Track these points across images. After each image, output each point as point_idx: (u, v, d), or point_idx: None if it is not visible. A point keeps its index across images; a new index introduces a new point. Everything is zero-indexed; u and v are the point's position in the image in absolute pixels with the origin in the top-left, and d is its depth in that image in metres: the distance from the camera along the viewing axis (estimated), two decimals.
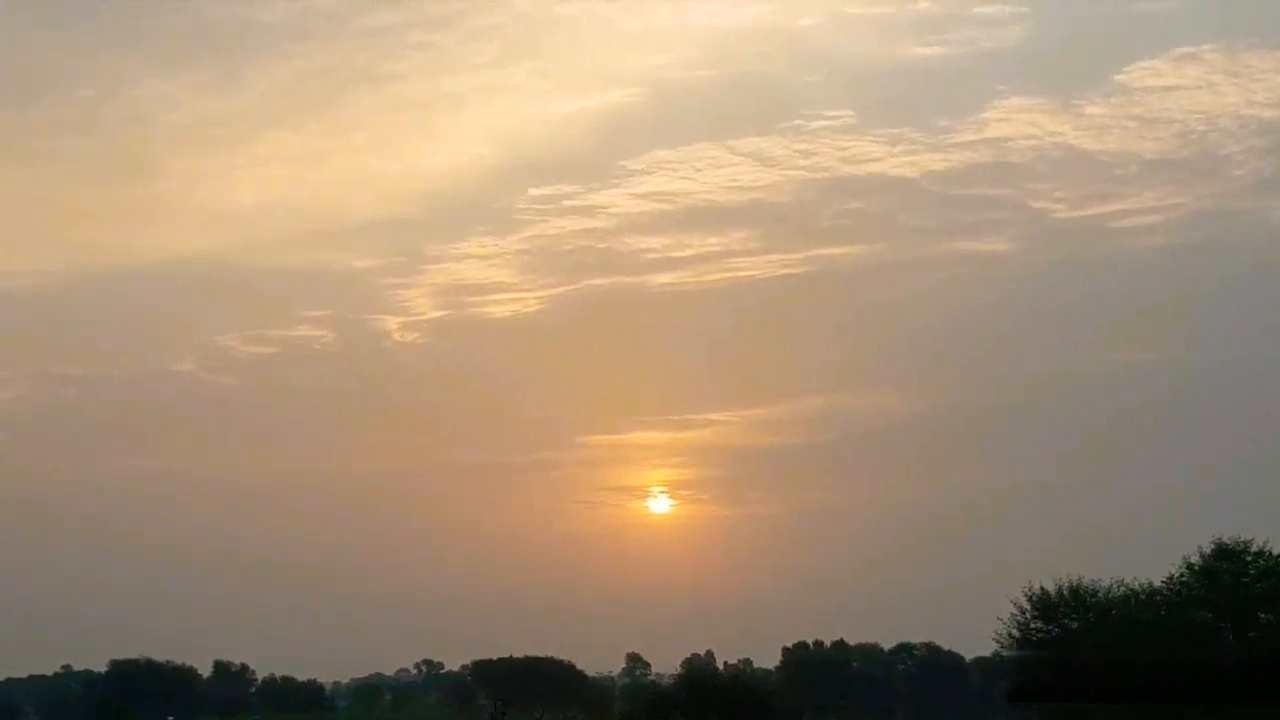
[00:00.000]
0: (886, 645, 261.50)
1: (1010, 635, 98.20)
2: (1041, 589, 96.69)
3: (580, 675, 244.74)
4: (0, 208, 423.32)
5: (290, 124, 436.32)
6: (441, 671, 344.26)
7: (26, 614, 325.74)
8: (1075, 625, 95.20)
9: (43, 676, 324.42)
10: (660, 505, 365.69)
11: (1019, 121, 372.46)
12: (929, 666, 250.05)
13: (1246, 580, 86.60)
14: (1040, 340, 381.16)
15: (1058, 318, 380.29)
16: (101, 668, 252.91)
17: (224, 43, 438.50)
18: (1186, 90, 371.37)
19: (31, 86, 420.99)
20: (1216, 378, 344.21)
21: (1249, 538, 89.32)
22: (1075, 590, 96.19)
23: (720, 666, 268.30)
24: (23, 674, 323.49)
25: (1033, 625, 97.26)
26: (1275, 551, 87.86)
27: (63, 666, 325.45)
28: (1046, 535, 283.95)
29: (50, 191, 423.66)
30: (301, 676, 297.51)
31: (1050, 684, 76.59)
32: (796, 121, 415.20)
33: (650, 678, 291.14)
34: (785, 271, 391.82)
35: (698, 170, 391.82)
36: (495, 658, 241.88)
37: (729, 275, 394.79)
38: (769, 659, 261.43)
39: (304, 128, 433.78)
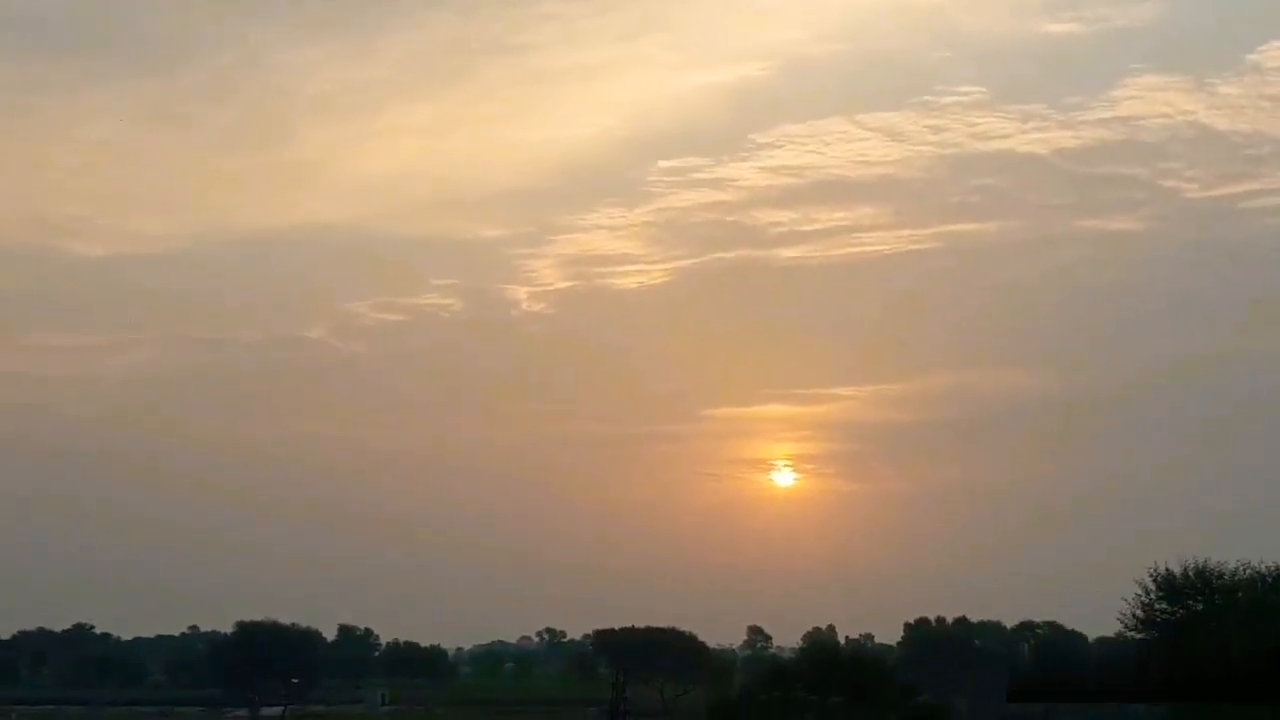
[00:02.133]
0: (1009, 624, 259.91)
1: (1134, 616, 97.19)
2: (1167, 569, 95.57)
3: (701, 647, 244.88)
4: (140, 173, 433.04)
5: (423, 93, 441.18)
6: (563, 640, 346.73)
7: (155, 575, 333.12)
8: (1200, 607, 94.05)
9: (170, 637, 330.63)
10: (785, 479, 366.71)
11: (1152, 100, 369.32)
12: (1051, 645, 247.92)
13: None
14: (1170, 321, 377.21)
15: (1188, 299, 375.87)
16: (228, 629, 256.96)
17: (360, 12, 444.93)
18: None
19: (174, 54, 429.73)
20: None
21: None
22: (1201, 572, 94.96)
23: (842, 641, 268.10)
24: (150, 634, 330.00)
25: (1157, 606, 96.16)
26: None
27: (190, 627, 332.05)
28: (1174, 516, 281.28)
29: (188, 158, 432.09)
30: (425, 642, 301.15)
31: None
32: (927, 97, 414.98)
33: (771, 651, 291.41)
34: (914, 247, 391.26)
35: (827, 145, 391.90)
36: (617, 628, 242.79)
37: (857, 250, 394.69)
38: (891, 634, 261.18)
39: (437, 97, 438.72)
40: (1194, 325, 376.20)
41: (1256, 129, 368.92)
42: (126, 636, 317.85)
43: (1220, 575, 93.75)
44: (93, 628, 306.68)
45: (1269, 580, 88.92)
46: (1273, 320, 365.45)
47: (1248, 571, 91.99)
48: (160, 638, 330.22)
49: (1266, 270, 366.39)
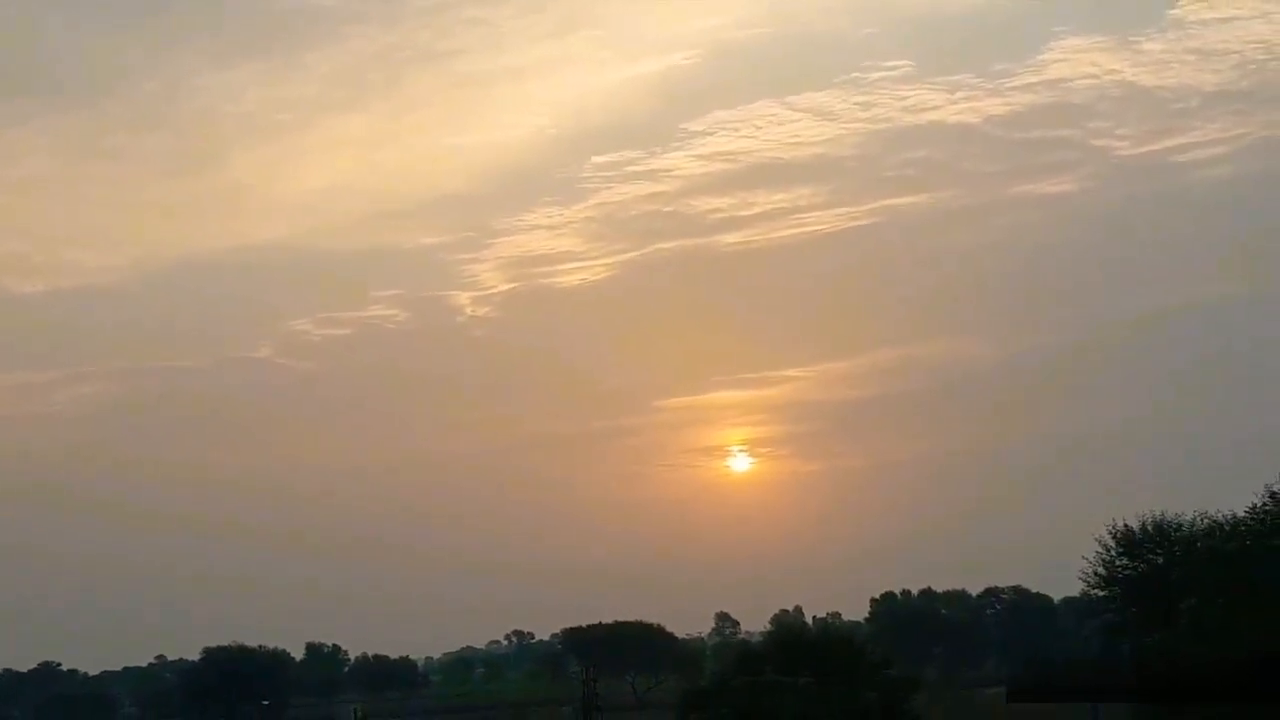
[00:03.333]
0: (975, 591, 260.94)
1: (1096, 574, 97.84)
2: (1125, 526, 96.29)
3: (670, 637, 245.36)
4: (73, 207, 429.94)
5: (353, 107, 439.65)
6: (532, 641, 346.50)
7: (119, 608, 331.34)
8: (1161, 560, 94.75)
9: (137, 668, 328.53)
10: (741, 464, 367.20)
11: (1077, 62, 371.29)
12: (1018, 610, 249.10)
13: None
14: (1112, 280, 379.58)
15: (1128, 256, 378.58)
16: (195, 656, 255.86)
17: (283, 30, 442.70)
18: (1242, 21, 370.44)
19: (97, 87, 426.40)
20: None
21: None
22: (1159, 525, 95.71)
23: (809, 621, 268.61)
24: (118, 666, 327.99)
25: (1118, 563, 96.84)
26: None
27: (156, 657, 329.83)
28: (1128, 474, 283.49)
29: (121, 188, 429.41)
30: (394, 654, 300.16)
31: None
32: (854, 74, 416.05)
33: (740, 636, 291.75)
34: (852, 224, 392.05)
35: (759, 129, 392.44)
36: (584, 625, 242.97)
37: (796, 231, 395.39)
38: (858, 611, 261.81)
39: (366, 109, 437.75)
40: (1135, 282, 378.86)
41: (1182, 82, 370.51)
42: (94, 671, 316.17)
43: (1178, 527, 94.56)
44: (59, 665, 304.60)
45: (1226, 529, 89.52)
46: (1212, 272, 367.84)
47: (1205, 522, 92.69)
48: (128, 669, 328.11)
49: (1202, 222, 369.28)
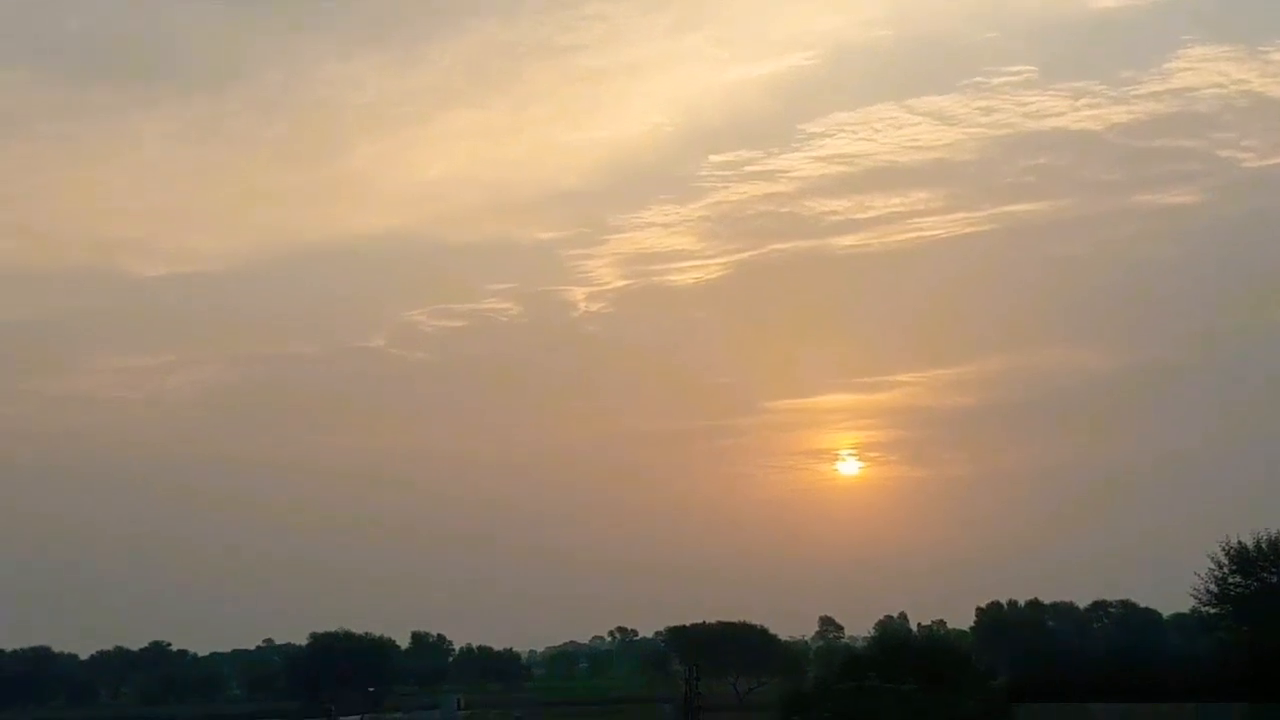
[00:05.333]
0: (1082, 604, 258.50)
1: (1208, 590, 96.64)
2: (1239, 543, 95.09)
3: (773, 639, 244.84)
4: (193, 191, 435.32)
5: (472, 100, 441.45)
6: (635, 639, 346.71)
7: (229, 591, 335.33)
8: (1275, 579, 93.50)
9: (246, 650, 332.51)
10: (849, 468, 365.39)
11: (1204, 71, 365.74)
12: (1126, 624, 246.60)
13: None
14: (1231, 294, 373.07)
15: (1249, 270, 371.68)
16: (302, 641, 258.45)
17: (405, 22, 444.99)
18: None
19: (221, 73, 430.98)
20: None
21: None
22: (1274, 544, 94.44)
23: (914, 628, 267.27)
24: (227, 648, 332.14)
25: (1230, 580, 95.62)
26: None
27: (264, 640, 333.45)
28: (1242, 490, 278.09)
29: (241, 174, 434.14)
30: (498, 646, 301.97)
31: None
32: (976, 79, 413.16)
33: (844, 640, 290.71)
34: (969, 230, 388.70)
35: (877, 131, 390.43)
36: (688, 624, 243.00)
37: (912, 235, 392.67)
38: (963, 619, 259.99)
39: (485, 103, 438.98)
40: (1254, 296, 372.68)
41: None
42: (203, 652, 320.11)
43: None
44: (169, 645, 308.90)
45: None
46: None
47: None
48: (236, 652, 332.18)
49: None
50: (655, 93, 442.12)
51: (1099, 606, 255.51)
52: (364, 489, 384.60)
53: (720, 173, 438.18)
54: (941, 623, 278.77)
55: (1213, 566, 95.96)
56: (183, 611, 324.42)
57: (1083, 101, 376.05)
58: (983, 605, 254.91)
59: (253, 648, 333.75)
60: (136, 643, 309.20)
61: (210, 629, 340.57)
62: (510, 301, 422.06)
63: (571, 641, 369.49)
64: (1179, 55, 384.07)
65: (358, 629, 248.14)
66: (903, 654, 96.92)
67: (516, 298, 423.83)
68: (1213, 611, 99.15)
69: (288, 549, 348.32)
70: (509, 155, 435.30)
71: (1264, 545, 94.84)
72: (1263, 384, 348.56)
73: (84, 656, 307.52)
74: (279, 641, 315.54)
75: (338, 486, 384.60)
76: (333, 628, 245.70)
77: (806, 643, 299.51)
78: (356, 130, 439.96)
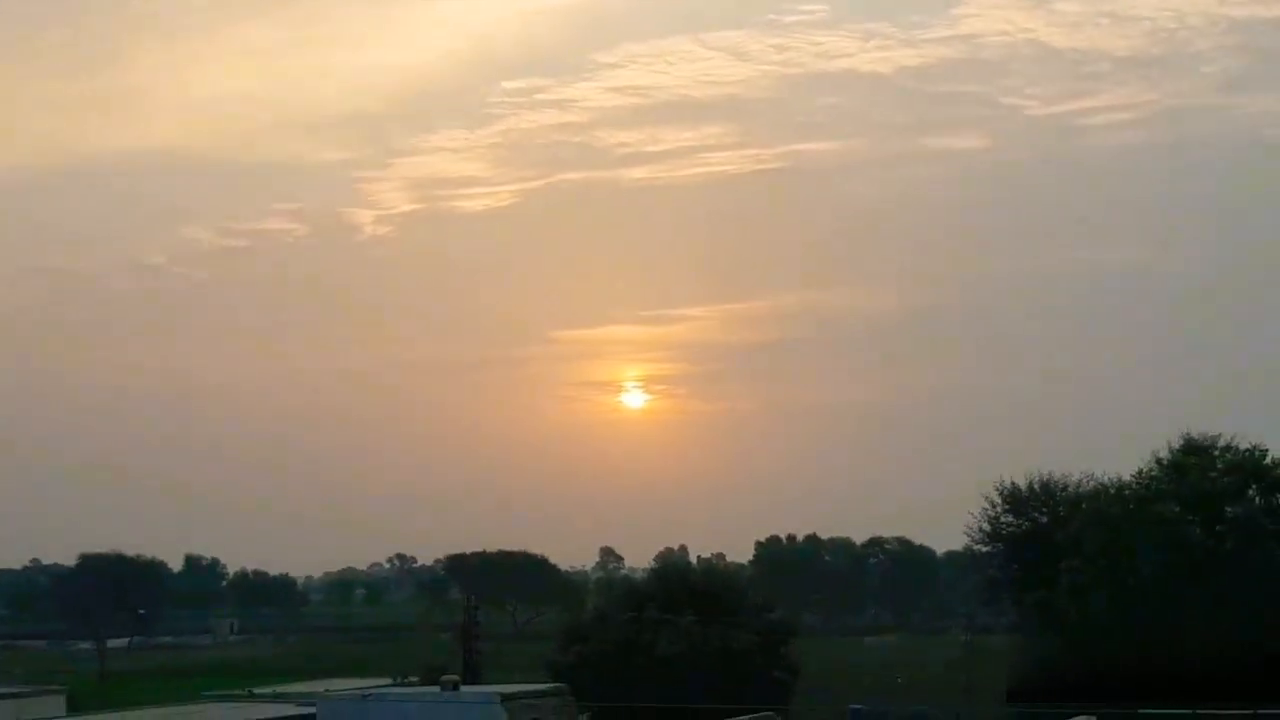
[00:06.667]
0: (859, 540, 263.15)
1: (981, 529, 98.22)
2: (1012, 483, 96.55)
3: (553, 569, 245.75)
4: None
5: (260, 14, 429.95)
6: (414, 566, 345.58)
7: None
8: (1045, 519, 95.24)
9: (11, 570, 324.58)
10: (635, 400, 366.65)
11: (991, 18, 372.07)
12: (901, 561, 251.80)
13: (1214, 474, 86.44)
14: (1013, 237, 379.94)
15: (1031, 215, 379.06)
16: (71, 561, 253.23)
17: None
18: None
19: None
20: (1186, 274, 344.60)
21: (1216, 433, 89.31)
22: (1045, 485, 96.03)
23: (694, 561, 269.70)
24: None
25: (1003, 519, 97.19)
26: (1242, 446, 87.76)
27: (31, 560, 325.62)
28: (1019, 432, 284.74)
29: (13, 84, 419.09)
30: (273, 571, 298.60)
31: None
32: (770, 16, 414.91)
33: (624, 572, 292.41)
34: (760, 167, 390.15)
35: (671, 64, 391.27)
36: (468, 552, 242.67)
37: (704, 170, 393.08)
38: (743, 554, 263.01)
39: (273, 18, 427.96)
40: (1037, 242, 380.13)
41: (1095, 46, 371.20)
42: None
43: (1064, 487, 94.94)
44: None
45: (1111, 491, 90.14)
46: (1113, 234, 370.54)
47: (1091, 483, 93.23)
48: (0, 571, 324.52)
49: (1106, 187, 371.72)
50: (448, 17, 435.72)
51: (875, 543, 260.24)
52: (139, 408, 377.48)
53: (512, 100, 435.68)
54: (721, 556, 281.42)
55: (986, 506, 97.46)
56: None
57: (873, 43, 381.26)
58: (761, 540, 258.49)
59: (19, 568, 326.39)
60: None
61: None
62: (296, 222, 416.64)
63: (349, 568, 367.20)
64: (967, 1, 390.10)
65: (129, 550, 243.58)
66: (681, 586, 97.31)
67: (302, 218, 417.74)
68: (985, 550, 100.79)
69: (59, 466, 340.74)
70: (296, 74, 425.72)
71: (1036, 486, 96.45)
72: (1038, 327, 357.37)
73: None
74: (46, 562, 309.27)
75: (113, 404, 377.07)
76: (103, 549, 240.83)
77: (586, 573, 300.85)
78: (138, 41, 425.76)
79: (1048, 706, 69.61)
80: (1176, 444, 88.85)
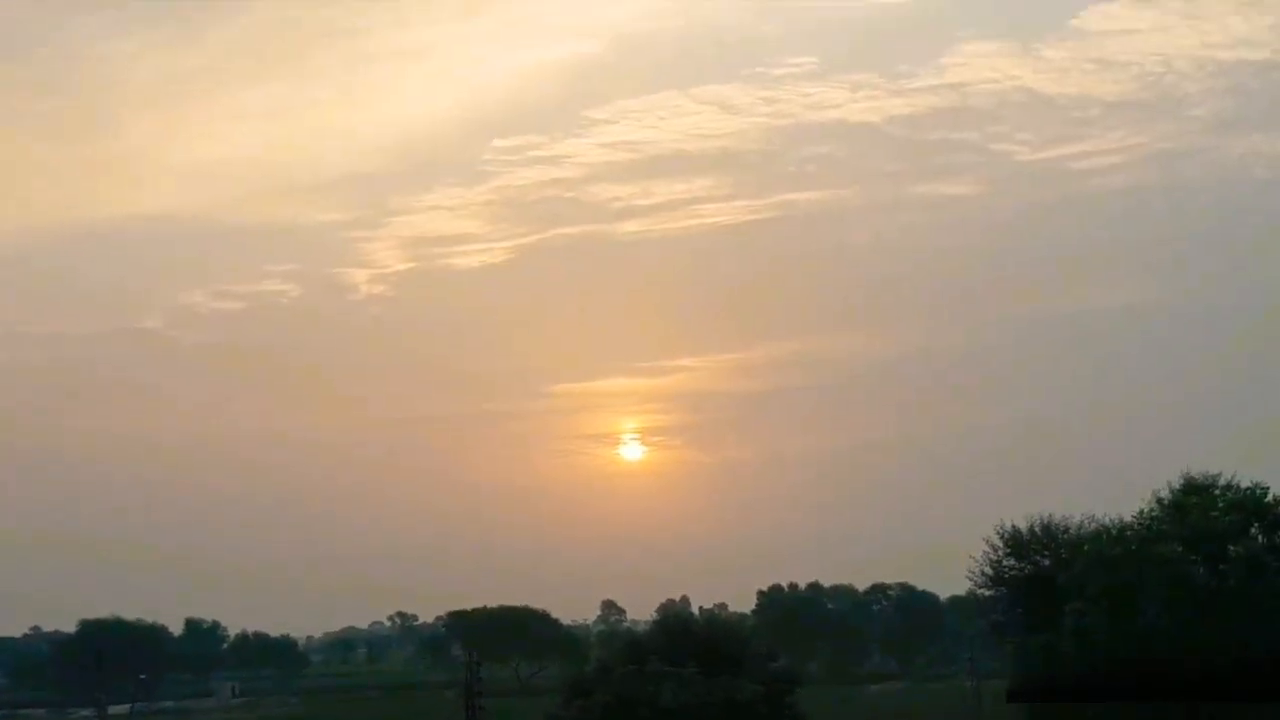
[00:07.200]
0: (861, 587, 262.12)
1: (984, 573, 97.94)
2: (1014, 527, 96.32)
3: (555, 624, 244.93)
4: None
5: (253, 79, 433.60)
6: (416, 623, 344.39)
7: None
8: (1047, 562, 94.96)
9: (11, 639, 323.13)
10: (633, 452, 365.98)
11: (979, 66, 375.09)
12: (904, 607, 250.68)
13: (1215, 514, 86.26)
14: (1007, 283, 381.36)
15: (1023, 260, 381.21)
16: (71, 628, 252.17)
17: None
18: (1143, 33, 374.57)
19: None
20: (1180, 315, 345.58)
21: (1216, 472, 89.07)
22: (1047, 527, 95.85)
23: (696, 611, 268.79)
24: None
25: (1005, 563, 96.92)
26: (1243, 485, 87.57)
27: (31, 628, 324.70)
28: (1019, 475, 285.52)
29: (12, 149, 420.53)
30: (274, 632, 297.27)
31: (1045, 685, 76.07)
32: (759, 69, 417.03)
33: (626, 624, 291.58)
34: (752, 217, 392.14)
35: (662, 119, 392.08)
36: (470, 609, 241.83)
37: (696, 222, 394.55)
38: (745, 603, 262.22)
39: (267, 83, 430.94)
40: (1029, 286, 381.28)
41: (1083, 91, 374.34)
42: None
43: (1065, 530, 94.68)
44: None
45: (1113, 533, 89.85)
46: (1104, 279, 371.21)
47: (1092, 525, 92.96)
48: (1, 640, 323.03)
49: (1097, 230, 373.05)
50: (440, 76, 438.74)
51: (878, 589, 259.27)
52: (137, 472, 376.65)
53: (505, 157, 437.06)
54: (723, 606, 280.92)
55: (988, 550, 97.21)
56: None
57: (862, 94, 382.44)
58: (764, 589, 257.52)
59: (19, 635, 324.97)
60: None
61: None
62: (291, 283, 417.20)
63: (350, 627, 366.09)
64: (955, 50, 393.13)
65: (129, 615, 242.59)
66: (684, 637, 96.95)
67: (297, 279, 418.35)
68: (988, 594, 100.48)
69: (56, 534, 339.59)
70: (291, 137, 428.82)
71: (1037, 529, 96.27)
72: (1037, 373, 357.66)
73: None
74: (47, 629, 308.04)
75: (110, 469, 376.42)
76: (103, 614, 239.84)
77: (588, 627, 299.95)
78: (133, 108, 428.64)
79: None
80: (1177, 484, 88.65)
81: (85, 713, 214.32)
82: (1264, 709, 66.90)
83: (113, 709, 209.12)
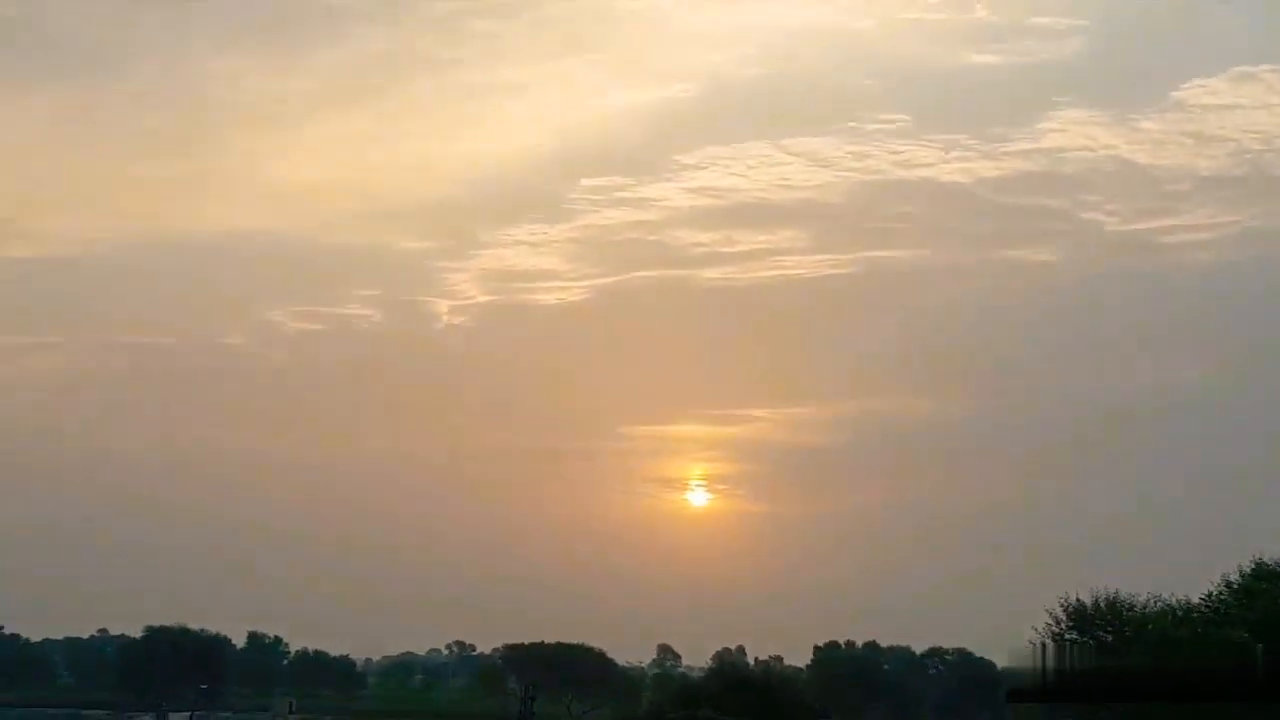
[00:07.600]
0: (918, 649, 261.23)
1: (1044, 645, 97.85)
2: (1078, 599, 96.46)
3: (610, 664, 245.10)
4: (65, 177, 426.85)
5: (352, 105, 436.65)
6: (473, 653, 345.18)
7: (65, 576, 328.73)
8: (1110, 638, 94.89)
9: (79, 639, 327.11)
10: (699, 498, 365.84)
11: (1074, 133, 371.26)
12: (960, 673, 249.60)
13: None
14: (1086, 352, 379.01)
15: (1104, 330, 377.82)
16: (137, 633, 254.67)
17: (288, 24, 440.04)
18: (1243, 109, 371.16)
19: (99, 60, 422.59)
20: (1263, 396, 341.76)
21: None
22: (1112, 603, 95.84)
23: (751, 662, 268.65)
24: (59, 635, 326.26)
25: (1067, 636, 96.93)
26: None
27: (99, 630, 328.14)
28: (1085, 548, 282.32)
29: (111, 163, 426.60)
30: (334, 651, 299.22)
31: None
32: (851, 124, 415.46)
33: (680, 670, 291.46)
34: (833, 271, 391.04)
35: (750, 168, 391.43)
36: (527, 642, 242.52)
37: (777, 273, 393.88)
38: (800, 657, 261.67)
39: (363, 110, 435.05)
40: (1108, 357, 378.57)
41: (1177, 164, 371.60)
42: (36, 638, 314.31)
43: (1130, 607, 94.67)
44: (1, 628, 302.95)
45: (1178, 614, 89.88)
46: (1186, 356, 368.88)
47: (1158, 604, 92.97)
48: (69, 640, 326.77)
49: (1183, 305, 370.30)
50: (534, 112, 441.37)
51: (934, 653, 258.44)
52: (211, 485, 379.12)
53: (591, 196, 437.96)
54: (779, 659, 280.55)
55: (1050, 622, 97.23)
56: (18, 595, 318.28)
57: (953, 154, 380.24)
58: (820, 644, 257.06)
59: (87, 636, 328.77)
60: None
61: (44, 614, 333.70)
62: (373, 308, 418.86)
63: (408, 652, 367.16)
64: (1050, 116, 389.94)
65: (194, 624, 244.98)
66: (738, 687, 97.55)
67: (380, 305, 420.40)
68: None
69: (130, 539, 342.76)
70: (383, 164, 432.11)
71: (1101, 604, 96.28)
72: (1105, 443, 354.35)
73: None
74: (114, 632, 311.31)
75: (185, 480, 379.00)
76: (169, 622, 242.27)
77: (643, 669, 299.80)
78: (232, 127, 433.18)
79: None
80: (1247, 568, 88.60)
81: (145, 717, 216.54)
82: None
83: (173, 716, 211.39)
